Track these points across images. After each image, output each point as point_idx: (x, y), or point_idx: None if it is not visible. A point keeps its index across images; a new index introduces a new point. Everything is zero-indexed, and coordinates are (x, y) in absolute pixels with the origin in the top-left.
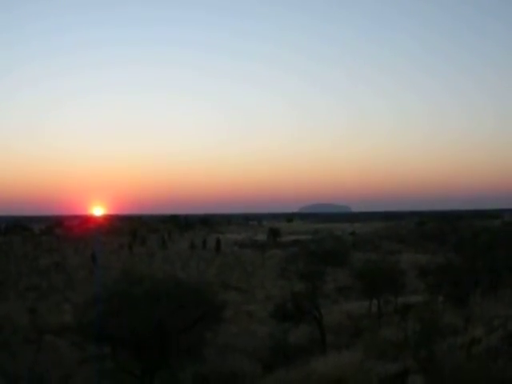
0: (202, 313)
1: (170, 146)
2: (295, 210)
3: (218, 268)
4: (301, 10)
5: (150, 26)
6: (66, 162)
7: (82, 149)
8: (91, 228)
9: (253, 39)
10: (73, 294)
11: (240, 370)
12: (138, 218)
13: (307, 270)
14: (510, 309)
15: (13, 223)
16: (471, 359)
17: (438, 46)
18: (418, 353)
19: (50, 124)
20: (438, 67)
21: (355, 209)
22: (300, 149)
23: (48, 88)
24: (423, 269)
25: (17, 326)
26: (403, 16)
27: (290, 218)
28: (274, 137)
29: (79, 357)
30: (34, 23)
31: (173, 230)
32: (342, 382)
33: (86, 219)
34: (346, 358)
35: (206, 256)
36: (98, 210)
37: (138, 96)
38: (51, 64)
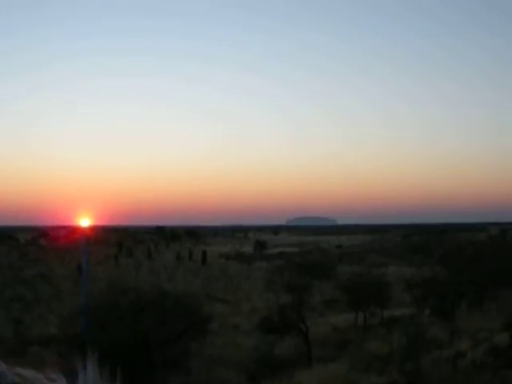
0: (187, 324)
1: (156, 158)
2: (282, 222)
3: (203, 280)
4: (291, 21)
5: (137, 36)
6: (53, 172)
7: (68, 159)
8: (77, 239)
9: (246, 50)
10: (58, 305)
11: (226, 382)
12: (125, 229)
13: (293, 283)
14: (496, 322)
15: None
16: (457, 372)
17: (431, 56)
18: (403, 366)
19: (36, 133)
20: (428, 78)
21: (341, 222)
22: (286, 162)
23: (34, 98)
24: (409, 282)
25: (2, 338)
26: (395, 26)
27: (276, 230)
28: (260, 149)
29: (64, 368)
30: (24, 32)
31: (159, 242)
32: None
33: (72, 230)
34: (332, 371)
35: (192, 268)
36: (84, 221)
37: (125, 107)
38: (38, 74)
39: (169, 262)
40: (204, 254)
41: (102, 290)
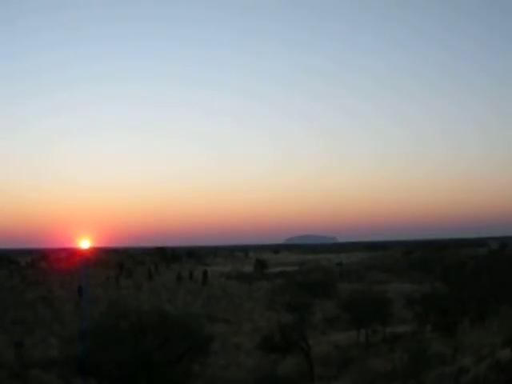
0: (188, 346)
1: (156, 179)
2: (281, 241)
3: (204, 300)
4: (278, 40)
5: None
6: (52, 195)
7: (68, 181)
8: (78, 261)
9: (232, 70)
10: (59, 327)
11: None
12: (125, 251)
13: (294, 302)
14: (498, 337)
15: None
16: None
17: (418, 71)
18: (406, 383)
19: (35, 156)
20: (418, 95)
21: (341, 239)
22: (285, 180)
23: (33, 124)
24: (410, 298)
25: (3, 361)
26: (382, 43)
27: (276, 249)
28: (259, 168)
29: None
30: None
31: (159, 263)
32: None
33: (73, 252)
34: None
35: (193, 288)
36: (84, 243)
37: (124, 130)
38: (44, 100)
39: (169, 283)
40: (205, 274)
41: (102, 312)
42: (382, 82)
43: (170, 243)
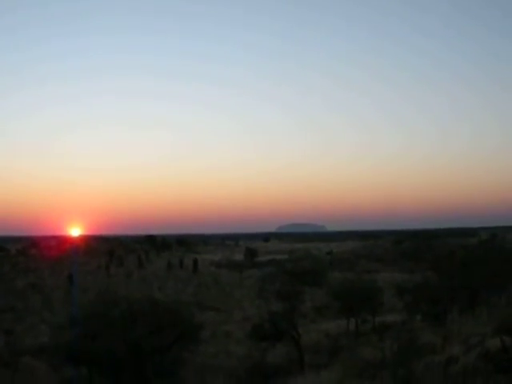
0: (179, 333)
1: (146, 167)
2: (272, 229)
3: (195, 288)
4: (268, 34)
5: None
6: (43, 183)
7: (58, 169)
8: (68, 249)
9: (219, 63)
10: (50, 315)
11: None
12: (115, 239)
13: (285, 290)
14: (487, 326)
15: None
16: (449, 378)
17: (406, 62)
18: (396, 372)
19: (26, 145)
20: (405, 86)
21: (331, 228)
22: (276, 169)
23: (21, 114)
24: (400, 287)
25: None
26: (381, 39)
27: (266, 237)
28: (249, 157)
29: (56, 379)
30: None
31: (150, 251)
32: None
33: (63, 240)
34: (325, 378)
35: (183, 276)
36: (74, 231)
37: (114, 120)
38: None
39: (160, 271)
40: (195, 262)
41: (93, 300)
42: (369, 72)
43: (160, 231)
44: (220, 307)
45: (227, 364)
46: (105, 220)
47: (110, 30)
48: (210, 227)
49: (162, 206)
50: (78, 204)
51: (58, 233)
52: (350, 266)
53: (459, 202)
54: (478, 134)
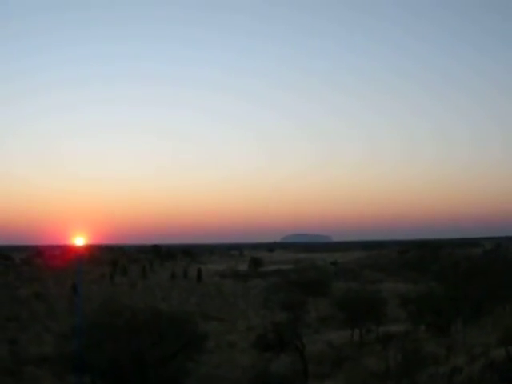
0: (182, 343)
1: (151, 176)
2: (277, 239)
3: (199, 298)
4: (265, 39)
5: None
6: (47, 192)
7: (62, 178)
8: (72, 258)
9: (218, 70)
10: (54, 324)
11: None
12: (120, 248)
13: (289, 300)
14: (492, 337)
15: None
16: None
17: (406, 70)
18: (400, 382)
19: (32, 154)
20: (410, 94)
21: (336, 238)
22: (281, 179)
23: (28, 122)
24: (404, 298)
25: None
26: (373, 42)
27: (271, 247)
28: (254, 166)
29: None
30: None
31: (154, 260)
32: None
33: (67, 249)
34: None
35: (187, 286)
36: (79, 240)
37: (120, 129)
38: (47, 98)
39: (164, 281)
40: (199, 272)
41: (97, 310)
42: (372, 80)
43: (164, 241)
44: (224, 317)
45: (231, 374)
46: (109, 229)
47: (115, 38)
48: (214, 237)
49: (167, 216)
50: (83, 213)
51: (62, 242)
52: (354, 276)
53: (463, 211)
54: (483, 144)
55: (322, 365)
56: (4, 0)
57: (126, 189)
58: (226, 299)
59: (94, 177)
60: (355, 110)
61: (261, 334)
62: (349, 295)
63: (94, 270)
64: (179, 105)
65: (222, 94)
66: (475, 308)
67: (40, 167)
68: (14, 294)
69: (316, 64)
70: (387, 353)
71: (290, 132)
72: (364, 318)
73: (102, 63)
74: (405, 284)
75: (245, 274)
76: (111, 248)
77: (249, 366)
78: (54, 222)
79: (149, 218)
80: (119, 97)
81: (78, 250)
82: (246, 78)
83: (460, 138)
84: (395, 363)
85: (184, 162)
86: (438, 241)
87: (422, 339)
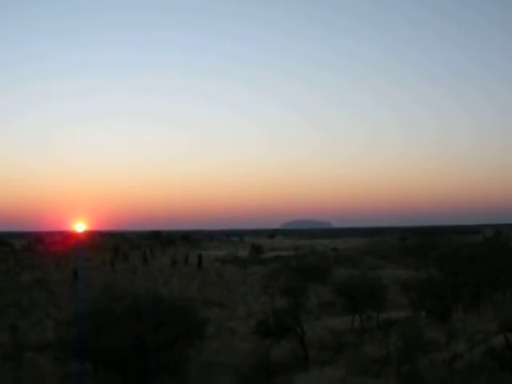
0: (183, 329)
1: (151, 162)
2: (277, 226)
3: (199, 284)
4: (269, 28)
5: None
6: (48, 178)
7: (63, 164)
8: (73, 244)
9: (218, 57)
10: (55, 310)
11: None
12: (120, 234)
13: (289, 286)
14: (492, 324)
15: None
16: (454, 375)
17: (409, 59)
18: (400, 369)
19: (31, 140)
20: (411, 82)
21: (336, 225)
22: (281, 165)
23: (27, 110)
24: (405, 284)
25: None
26: (375, 30)
27: (271, 234)
28: (254, 153)
29: (60, 373)
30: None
31: (155, 246)
32: None
33: (68, 235)
34: (329, 375)
35: (188, 272)
36: (79, 226)
37: (119, 116)
38: (46, 86)
39: (164, 267)
40: (200, 258)
41: (97, 295)
42: (374, 68)
43: (165, 227)
44: (224, 303)
45: (232, 360)
46: (110, 215)
47: (122, 25)
48: (215, 223)
49: (167, 202)
50: (84, 199)
51: (63, 228)
52: (354, 262)
53: (464, 198)
54: (484, 132)
55: (323, 351)
56: None
57: (127, 175)
58: (227, 285)
59: (94, 163)
60: (357, 97)
61: (261, 320)
62: (349, 282)
63: (95, 256)
64: (180, 92)
65: (224, 81)
66: (475, 295)
67: (40, 153)
68: (15, 281)
69: (318, 52)
70: (388, 339)
71: (291, 118)
72: (365, 305)
73: (100, 51)
74: (405, 270)
75: (245, 260)
76: (112, 234)
77: (249, 352)
78: (55, 208)
79: (149, 203)
80: (120, 84)
81: (78, 236)
82: (246, 66)
83: (461, 125)
84: (396, 349)
85: (185, 148)
86: (438, 227)
87: (423, 326)
